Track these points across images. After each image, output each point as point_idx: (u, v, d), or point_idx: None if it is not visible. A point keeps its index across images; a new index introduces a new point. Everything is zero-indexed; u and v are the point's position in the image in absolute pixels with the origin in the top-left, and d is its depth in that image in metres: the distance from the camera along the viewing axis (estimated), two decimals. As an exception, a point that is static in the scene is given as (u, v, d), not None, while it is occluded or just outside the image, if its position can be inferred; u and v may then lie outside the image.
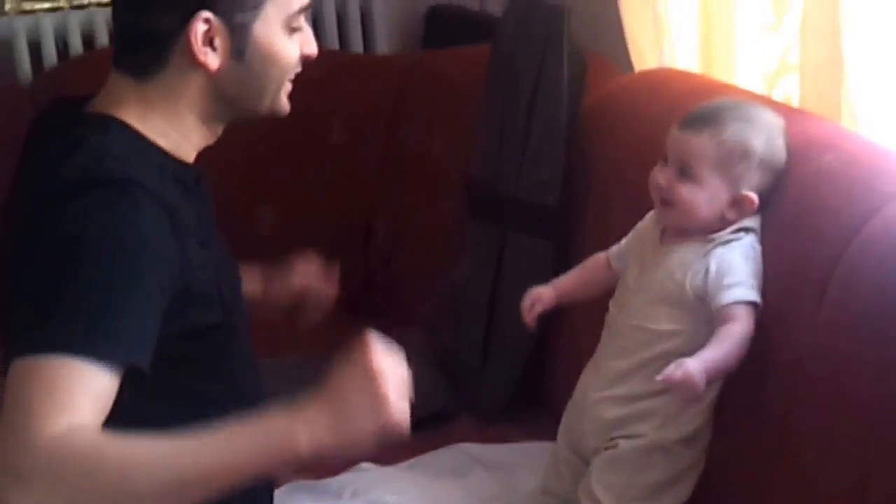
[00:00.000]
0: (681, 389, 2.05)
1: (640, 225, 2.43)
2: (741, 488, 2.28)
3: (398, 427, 1.87)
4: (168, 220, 1.84)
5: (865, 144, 2.31)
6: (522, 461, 2.73)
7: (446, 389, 3.09)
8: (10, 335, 1.76)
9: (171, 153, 1.97)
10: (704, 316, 2.19)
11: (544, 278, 2.67)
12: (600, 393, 2.34)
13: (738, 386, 2.26)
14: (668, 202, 2.26)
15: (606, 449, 2.31)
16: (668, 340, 2.24)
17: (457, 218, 3.24)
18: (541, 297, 2.49)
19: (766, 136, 2.24)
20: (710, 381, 2.08)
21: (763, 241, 2.26)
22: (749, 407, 2.26)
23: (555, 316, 2.82)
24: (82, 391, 1.66)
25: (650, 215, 2.39)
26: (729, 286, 2.15)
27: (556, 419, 2.68)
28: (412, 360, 3.10)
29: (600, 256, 2.49)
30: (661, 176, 2.26)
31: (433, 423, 2.97)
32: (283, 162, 3.66)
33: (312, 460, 1.74)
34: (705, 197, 2.22)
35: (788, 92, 2.72)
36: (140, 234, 1.79)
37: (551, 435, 2.65)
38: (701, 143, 2.22)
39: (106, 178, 1.80)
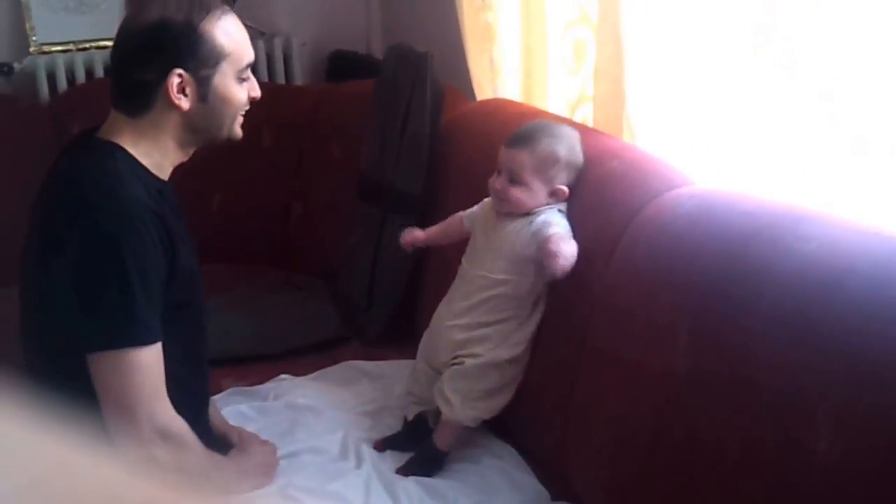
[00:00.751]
0: (557, 261, 2.04)
1: (483, 202, 2.38)
2: (550, 390, 2.25)
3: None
4: (160, 224, 1.89)
5: (643, 154, 2.26)
6: (396, 373, 2.67)
7: (339, 322, 3.02)
8: (51, 328, 1.93)
9: (153, 171, 1.98)
10: (527, 269, 2.19)
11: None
12: (450, 322, 2.30)
13: (550, 324, 2.24)
14: (503, 201, 2.24)
15: (454, 364, 2.28)
16: (501, 286, 2.22)
17: (350, 201, 3.16)
18: (413, 232, 2.51)
19: (567, 145, 2.22)
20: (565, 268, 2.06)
21: (570, 219, 2.22)
22: (557, 340, 2.23)
23: (420, 269, 2.83)
24: (160, 369, 1.90)
25: (489, 199, 2.34)
26: (553, 226, 2.15)
27: None
28: (315, 302, 3.10)
29: (457, 215, 2.45)
30: (497, 183, 2.23)
31: (330, 347, 2.93)
32: (228, 160, 3.43)
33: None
34: (531, 195, 2.20)
35: (585, 116, 2.67)
36: (147, 238, 1.86)
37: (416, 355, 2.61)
38: (522, 157, 2.19)
39: (119, 196, 1.86)
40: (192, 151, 2.07)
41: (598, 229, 2.14)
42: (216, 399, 2.53)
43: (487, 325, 2.24)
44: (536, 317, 2.24)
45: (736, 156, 2.22)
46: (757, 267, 1.71)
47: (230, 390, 2.60)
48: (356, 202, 3.11)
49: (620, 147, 2.32)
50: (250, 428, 2.39)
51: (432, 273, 2.81)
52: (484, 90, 3.12)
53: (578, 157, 2.23)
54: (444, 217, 2.71)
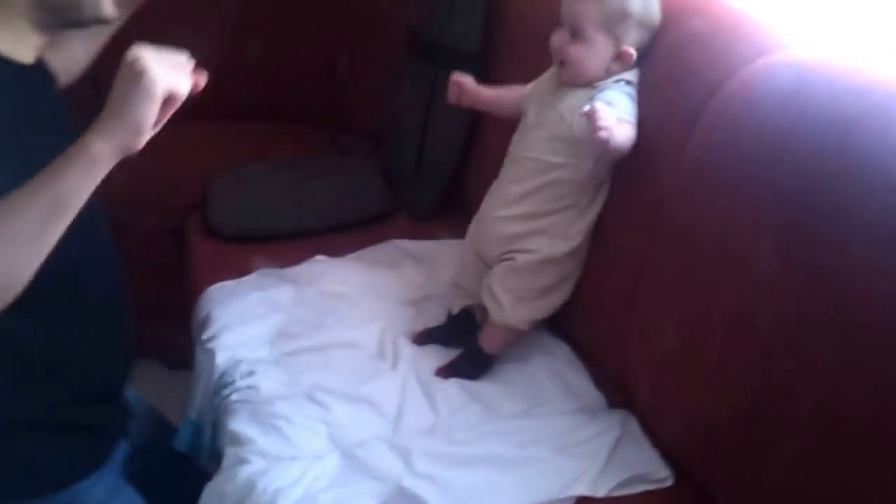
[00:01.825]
0: (600, 120, 1.74)
1: (541, 77, 2.12)
2: (610, 291, 2.04)
3: (174, 87, 1.46)
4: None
5: (731, 10, 1.95)
6: (443, 254, 2.50)
7: (386, 194, 2.80)
8: None
9: (6, 54, 1.59)
10: (587, 151, 1.94)
11: (465, 111, 2.44)
12: (501, 212, 2.08)
13: (614, 210, 2.02)
14: (563, 61, 1.98)
15: (505, 260, 2.07)
16: (556, 170, 1.98)
17: (399, 56, 2.90)
18: (463, 80, 2.19)
19: (643, 1, 1.94)
20: (615, 143, 1.79)
21: (641, 91, 1.96)
22: (620, 229, 2.00)
23: (474, 138, 2.62)
24: None
25: (550, 71, 2.08)
26: (612, 108, 1.85)
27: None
28: (361, 172, 2.88)
29: (517, 89, 2.17)
30: (556, 38, 1.98)
31: (376, 221, 2.74)
32: (266, 5, 3.31)
33: (115, 150, 1.46)
34: (593, 53, 1.95)
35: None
36: None
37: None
38: (587, 7, 1.93)
39: None
40: (55, 33, 1.70)
41: (672, 104, 1.89)
42: (245, 280, 2.36)
43: (542, 215, 2.02)
44: (598, 203, 2.02)
45: (847, 15, 1.92)
46: (860, 162, 1.46)
47: (260, 271, 2.44)
48: (405, 56, 2.85)
49: (704, 0, 2.02)
50: (279, 318, 2.23)
51: (490, 140, 2.58)
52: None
53: (654, 14, 1.96)
54: (504, 79, 2.47)
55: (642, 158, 1.90)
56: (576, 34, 1.94)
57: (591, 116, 1.74)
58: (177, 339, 2.44)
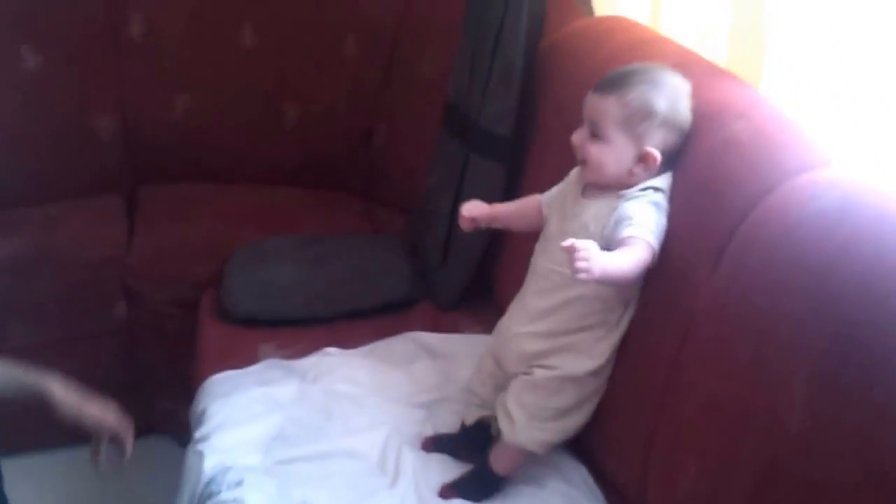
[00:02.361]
0: (578, 261, 1.61)
1: (566, 178, 1.98)
2: (632, 417, 1.86)
3: None
4: None
5: (776, 115, 1.80)
6: (463, 351, 2.33)
7: (411, 281, 2.64)
8: None
9: None
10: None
11: (496, 196, 2.33)
12: (522, 328, 1.92)
13: (640, 327, 1.85)
14: (583, 160, 1.84)
15: (524, 374, 1.91)
16: (582, 286, 1.78)
17: (438, 132, 2.76)
18: (473, 210, 2.06)
19: (669, 98, 1.79)
20: (602, 277, 1.64)
21: (673, 200, 1.81)
22: (646, 350, 1.83)
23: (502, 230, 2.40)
24: None
25: (576, 171, 1.94)
26: (629, 225, 1.74)
27: (500, 312, 2.27)
28: (387, 253, 2.73)
29: (536, 197, 2.04)
30: (576, 135, 1.85)
31: (397, 308, 2.59)
32: (305, 69, 3.23)
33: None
34: (613, 154, 1.80)
35: (718, 51, 2.17)
36: None
37: (494, 326, 2.21)
38: (607, 105, 1.80)
39: None
40: None
41: (707, 216, 1.73)
42: (249, 371, 2.25)
43: (567, 333, 1.87)
44: (626, 320, 1.86)
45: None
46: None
47: (266, 362, 2.32)
48: (441, 132, 2.72)
49: (749, 102, 1.86)
50: (278, 419, 2.09)
51: (515, 234, 2.39)
52: (603, 2, 2.68)
53: (683, 114, 1.81)
54: (535, 167, 2.36)
55: (672, 273, 1.74)
56: (595, 133, 1.81)
57: (569, 253, 1.62)
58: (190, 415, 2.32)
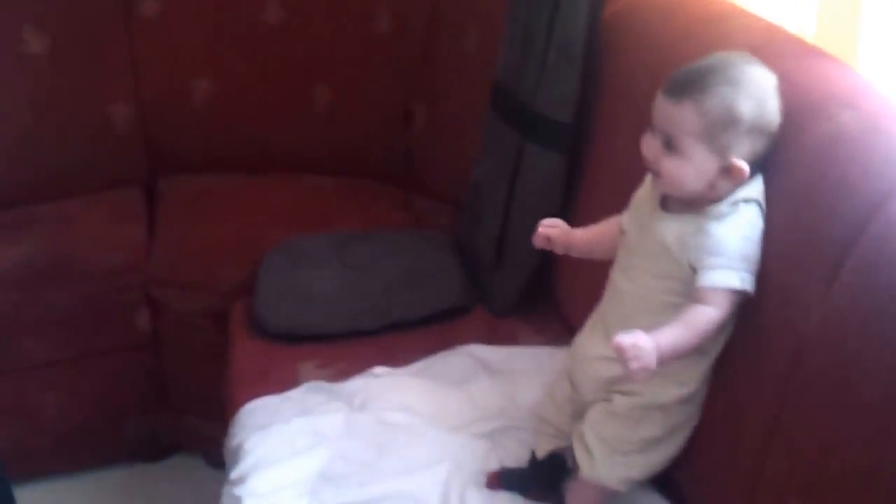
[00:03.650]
0: (629, 361, 1.46)
1: (642, 187, 1.75)
2: (733, 452, 1.63)
3: None
4: None
5: (888, 103, 1.57)
6: (525, 366, 2.14)
7: (463, 285, 2.44)
8: None
9: None
10: None
11: (555, 189, 2.23)
12: (601, 350, 1.70)
13: (740, 350, 1.62)
14: (656, 173, 1.62)
15: (603, 401, 1.72)
16: (670, 312, 1.58)
17: (486, 112, 2.52)
18: (549, 229, 1.83)
19: (755, 100, 1.55)
20: (661, 362, 1.48)
21: (772, 208, 1.58)
22: (749, 375, 1.60)
23: (568, 219, 2.15)
24: None
25: (650, 177, 1.70)
26: (711, 267, 1.54)
27: (563, 319, 2.24)
28: (435, 253, 2.53)
29: (616, 220, 1.80)
30: (647, 149, 1.62)
31: (449, 316, 2.38)
32: (335, 47, 3.01)
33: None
34: (692, 170, 1.57)
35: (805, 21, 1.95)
36: None
37: (557, 336, 2.19)
38: (683, 114, 1.55)
39: None
40: None
41: (815, 227, 1.50)
42: (289, 397, 2.08)
43: None
44: (721, 343, 1.64)
45: None
46: None
47: (308, 385, 2.12)
48: (490, 116, 2.49)
49: (854, 88, 1.64)
50: (324, 455, 1.91)
51: (587, 224, 2.17)
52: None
53: (771, 116, 1.57)
54: (602, 157, 2.17)
55: (776, 292, 1.53)
56: (670, 145, 1.58)
57: (619, 353, 1.47)
58: (220, 435, 2.14)
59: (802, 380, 1.47)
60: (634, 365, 1.46)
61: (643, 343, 1.46)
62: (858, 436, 1.34)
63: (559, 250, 1.83)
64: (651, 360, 1.46)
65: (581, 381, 1.76)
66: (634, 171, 1.79)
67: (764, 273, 1.54)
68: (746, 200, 1.57)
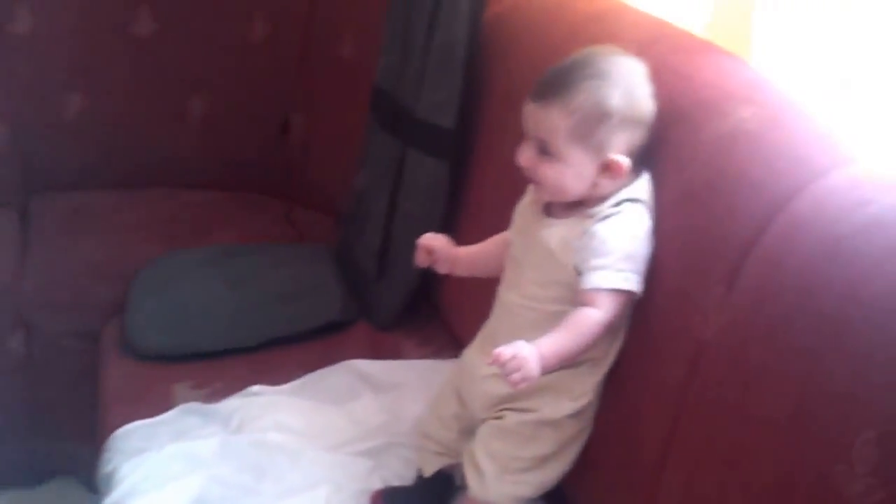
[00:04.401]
0: (510, 371, 1.38)
1: (524, 196, 1.65)
2: (628, 467, 1.52)
3: None
4: None
5: (787, 99, 1.49)
6: (409, 381, 2.00)
7: (345, 298, 2.28)
8: None
9: None
10: None
11: (438, 197, 2.11)
12: (489, 369, 1.54)
13: (634, 359, 1.52)
14: (536, 181, 1.53)
15: (494, 419, 1.60)
16: (559, 321, 1.47)
17: (366, 119, 2.39)
18: (432, 241, 1.72)
19: (623, 90, 1.47)
20: (546, 370, 1.41)
21: (667, 209, 1.49)
22: (643, 386, 1.50)
23: (452, 228, 2.08)
24: None
25: (532, 186, 1.61)
26: (594, 268, 1.45)
27: (448, 331, 2.14)
28: (315, 265, 2.39)
29: (504, 236, 1.70)
30: (523, 157, 1.53)
31: (330, 330, 2.23)
32: (210, 57, 2.84)
33: None
34: (571, 173, 1.49)
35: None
36: None
37: (442, 348, 2.12)
38: (552, 117, 1.48)
39: None
40: None
41: (716, 228, 1.40)
42: (163, 420, 1.91)
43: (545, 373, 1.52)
44: (614, 352, 1.53)
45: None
46: None
47: (182, 408, 1.94)
48: (371, 123, 2.36)
49: (752, 83, 1.55)
50: (199, 480, 1.73)
51: (472, 232, 2.02)
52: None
53: (643, 105, 1.49)
54: (487, 163, 2.05)
55: (670, 295, 1.43)
56: (545, 150, 1.49)
57: (499, 365, 1.39)
58: (97, 459, 1.97)
59: (701, 389, 1.36)
60: (516, 377, 1.37)
61: (524, 353, 1.38)
62: (764, 449, 1.23)
63: (443, 269, 1.71)
64: (532, 369, 1.37)
65: (472, 399, 1.64)
66: (521, 177, 1.68)
67: (659, 277, 1.44)
68: (632, 200, 1.48)
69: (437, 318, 2.22)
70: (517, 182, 1.69)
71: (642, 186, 1.50)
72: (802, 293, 1.22)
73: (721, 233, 1.38)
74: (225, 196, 2.84)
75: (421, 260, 1.71)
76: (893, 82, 1.51)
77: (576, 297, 1.46)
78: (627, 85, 1.47)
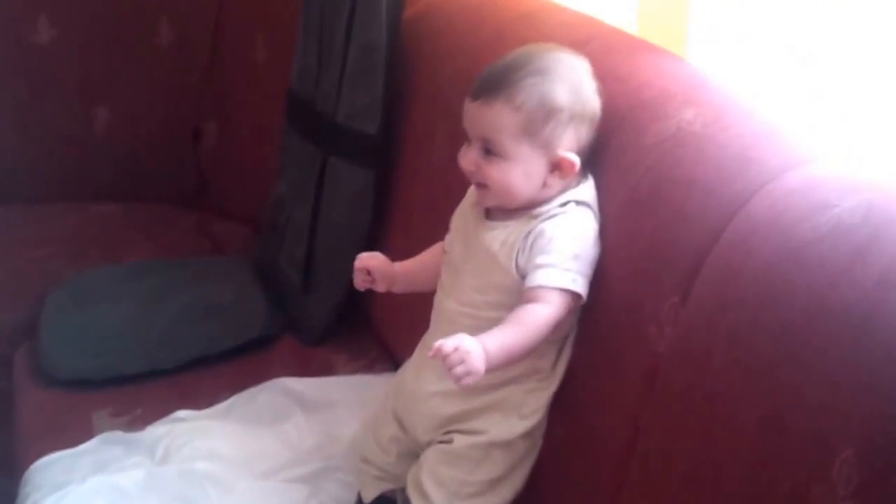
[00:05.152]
0: (452, 364, 1.27)
1: (466, 196, 1.56)
2: (583, 488, 1.44)
3: None
4: None
5: (731, 100, 1.42)
6: (342, 398, 1.90)
7: (269, 313, 2.17)
8: None
9: None
10: None
11: (364, 206, 2.02)
12: (433, 386, 1.49)
13: (584, 370, 1.44)
14: (481, 185, 1.44)
15: (440, 442, 1.50)
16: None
17: (282, 127, 2.30)
18: (368, 261, 1.59)
19: (569, 85, 1.41)
20: (491, 367, 1.31)
21: (612, 216, 1.42)
22: (595, 401, 1.42)
23: (379, 236, 2.03)
24: None
25: (472, 188, 1.52)
26: (540, 266, 1.37)
27: (382, 344, 2.07)
28: (236, 279, 2.28)
29: (440, 245, 1.61)
30: (465, 160, 1.45)
31: (255, 347, 2.11)
32: (113, 63, 2.73)
33: None
34: (519, 172, 1.41)
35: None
36: None
37: (375, 360, 2.05)
38: (497, 115, 1.40)
39: None
40: None
41: (666, 235, 1.33)
42: (81, 452, 1.79)
43: (490, 388, 1.45)
44: (563, 364, 1.45)
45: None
46: None
47: (101, 437, 1.82)
48: (287, 130, 2.26)
49: (692, 83, 1.48)
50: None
51: (399, 240, 2.01)
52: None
53: (590, 99, 1.43)
54: (414, 170, 1.97)
55: (621, 304, 1.36)
56: (491, 151, 1.41)
57: (441, 359, 1.28)
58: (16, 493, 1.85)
59: (660, 403, 1.29)
60: (460, 370, 1.27)
61: (466, 345, 1.28)
62: (731, 464, 1.16)
63: (381, 287, 1.60)
64: (478, 362, 1.28)
65: (414, 422, 1.54)
66: (453, 183, 1.61)
67: (609, 287, 1.37)
68: (577, 202, 1.41)
69: (367, 330, 2.13)
70: (447, 188, 1.63)
71: (587, 191, 1.43)
72: (764, 302, 1.15)
73: (671, 240, 1.31)
74: (136, 208, 2.72)
75: (360, 282, 1.60)
76: (842, 68, 1.45)
77: (520, 298, 1.38)
78: (573, 81, 1.41)
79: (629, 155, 1.42)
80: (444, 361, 1.28)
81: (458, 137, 1.59)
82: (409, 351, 1.64)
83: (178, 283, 2.23)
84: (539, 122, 1.38)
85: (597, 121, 1.43)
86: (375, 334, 2.11)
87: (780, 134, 1.34)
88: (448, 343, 1.28)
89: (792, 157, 1.28)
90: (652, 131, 1.40)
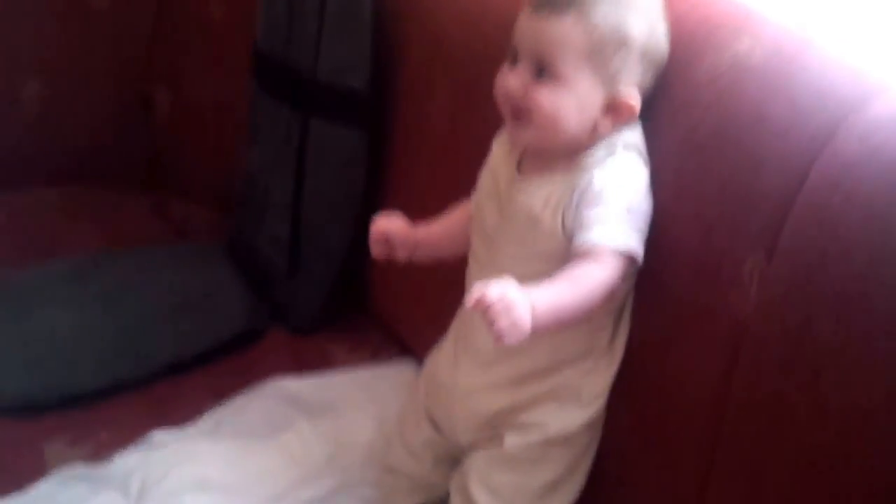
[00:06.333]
0: (496, 317, 1.18)
1: (490, 157, 1.48)
2: (661, 479, 1.41)
3: None
4: None
5: (784, 30, 1.35)
6: (351, 395, 1.85)
7: (249, 302, 2.10)
8: None
9: None
10: None
11: (356, 173, 1.95)
12: (476, 378, 1.44)
13: (651, 345, 1.39)
14: (523, 114, 1.35)
15: (488, 442, 1.45)
16: None
17: (248, 93, 2.22)
18: (387, 226, 1.52)
19: (646, 21, 1.35)
20: (537, 327, 1.21)
21: (667, 163, 1.36)
22: (668, 378, 1.38)
23: (375, 205, 1.90)
24: None
25: (501, 139, 1.45)
26: (589, 223, 1.30)
27: (384, 328, 2.00)
28: (209, 267, 2.21)
29: (467, 203, 1.53)
30: (512, 79, 1.34)
31: (238, 345, 2.03)
32: (44, 30, 2.62)
33: None
34: (573, 101, 1.32)
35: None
36: None
37: (378, 348, 2.00)
38: (565, 30, 1.31)
39: None
40: None
41: (735, 188, 1.28)
42: (37, 492, 1.65)
43: (543, 373, 1.40)
44: (620, 342, 1.40)
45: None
46: None
47: (61, 475, 1.68)
48: (255, 92, 2.17)
49: (740, 13, 1.40)
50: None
51: (399, 205, 1.83)
52: None
53: (662, 42, 1.37)
54: (412, 130, 1.89)
55: (691, 268, 1.30)
56: (545, 72, 1.32)
57: (481, 307, 1.19)
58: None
59: (748, 378, 1.24)
60: (503, 322, 1.18)
61: (513, 296, 1.19)
62: (852, 448, 1.11)
63: (402, 255, 1.52)
64: (523, 316, 1.19)
65: (452, 422, 1.49)
66: (459, 140, 1.56)
67: (673, 248, 1.33)
68: (625, 146, 1.34)
69: (367, 313, 2.07)
70: (456, 148, 1.61)
71: (636, 135, 1.36)
72: (876, 254, 1.09)
73: (746, 189, 1.25)
74: (81, 192, 2.61)
75: (378, 251, 1.52)
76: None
77: (571, 255, 1.31)
78: (652, 17, 1.35)
79: (680, 92, 1.36)
80: (485, 313, 1.19)
81: (460, 93, 1.58)
82: (419, 331, 1.58)
83: (135, 277, 2.13)
84: (609, 51, 1.32)
85: (662, 68, 1.37)
86: (376, 317, 2.05)
87: (851, 62, 1.28)
88: (492, 291, 1.19)
89: (869, 86, 1.22)
90: (704, 66, 1.35)
